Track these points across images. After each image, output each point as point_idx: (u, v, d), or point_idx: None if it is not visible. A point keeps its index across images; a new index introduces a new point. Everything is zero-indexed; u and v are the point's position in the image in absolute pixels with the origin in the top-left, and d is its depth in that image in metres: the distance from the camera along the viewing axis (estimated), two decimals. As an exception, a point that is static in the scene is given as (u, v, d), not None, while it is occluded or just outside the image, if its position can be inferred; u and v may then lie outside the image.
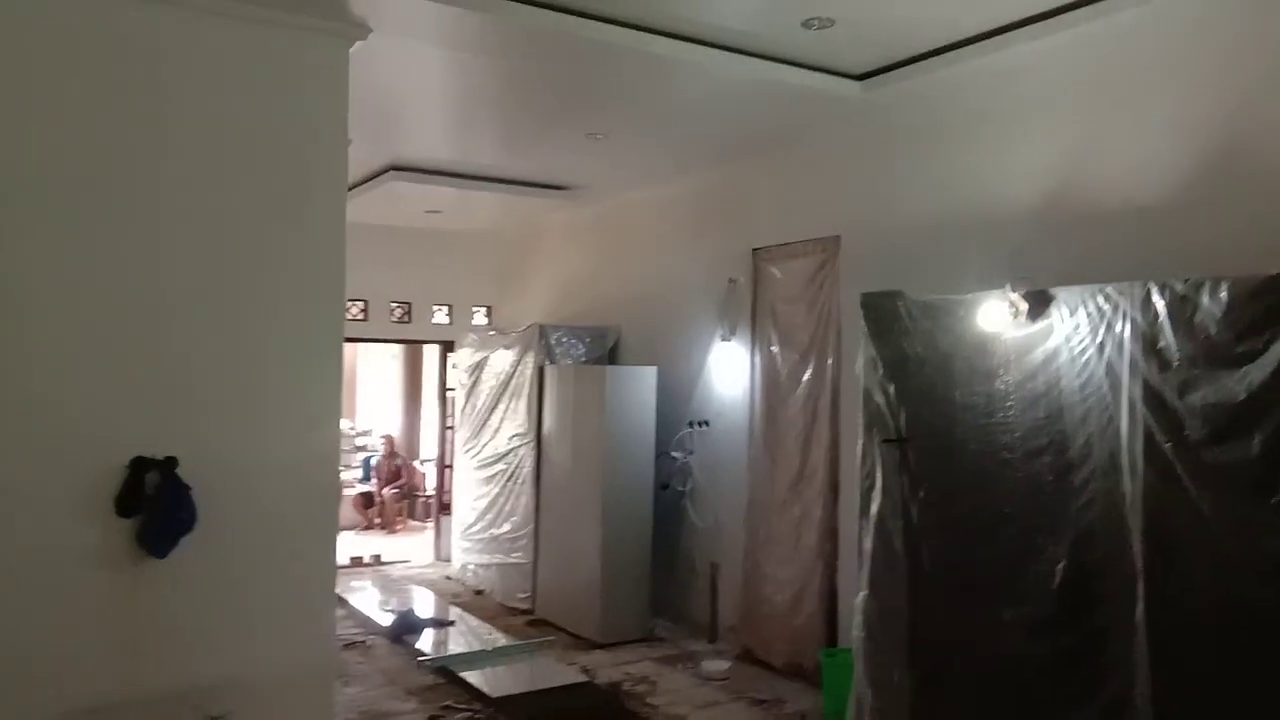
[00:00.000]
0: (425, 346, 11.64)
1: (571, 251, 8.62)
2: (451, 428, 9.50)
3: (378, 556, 9.21)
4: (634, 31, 4.23)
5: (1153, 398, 3.20)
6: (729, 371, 6.36)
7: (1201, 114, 3.80)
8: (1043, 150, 4.38)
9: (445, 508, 9.39)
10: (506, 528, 7.61)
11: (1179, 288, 3.15)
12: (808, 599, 5.51)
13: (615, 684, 5.55)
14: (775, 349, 5.91)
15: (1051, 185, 4.31)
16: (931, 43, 4.33)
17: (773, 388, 5.93)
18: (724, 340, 6.36)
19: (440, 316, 9.69)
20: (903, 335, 4.09)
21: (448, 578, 8.45)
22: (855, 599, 4.24)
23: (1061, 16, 3.97)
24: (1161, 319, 3.19)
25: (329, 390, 3.88)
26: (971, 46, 4.28)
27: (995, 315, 3.70)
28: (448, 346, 9.54)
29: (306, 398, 3.81)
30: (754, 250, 6.16)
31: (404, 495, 11.63)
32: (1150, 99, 3.98)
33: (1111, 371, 3.33)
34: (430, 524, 10.20)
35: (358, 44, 3.87)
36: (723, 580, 6.33)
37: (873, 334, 4.22)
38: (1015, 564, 3.60)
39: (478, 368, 8.29)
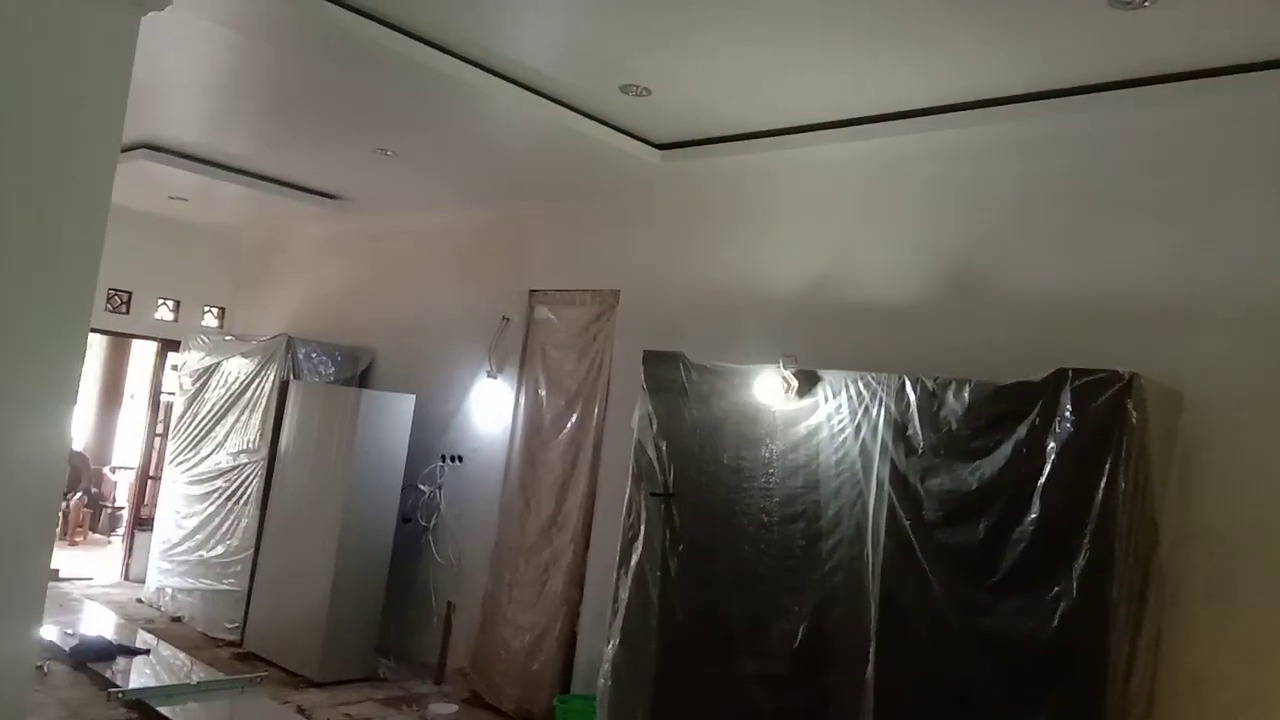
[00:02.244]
0: (135, 342, 10.58)
1: (328, 263, 8.21)
2: (162, 435, 8.66)
3: (55, 571, 8.11)
4: (449, 57, 4.17)
5: (898, 479, 3.57)
6: (491, 409, 6.31)
7: (944, 241, 4.32)
8: (812, 244, 4.78)
9: (142, 523, 8.48)
10: (220, 550, 7.00)
11: (929, 384, 3.57)
12: (547, 644, 5.53)
13: (334, 726, 5.25)
14: (543, 392, 5.96)
15: (817, 277, 4.72)
16: (730, 129, 4.64)
17: (535, 431, 5.96)
18: (490, 377, 6.31)
19: (164, 312, 8.85)
20: (680, 395, 4.29)
21: (140, 601, 7.60)
22: (605, 648, 4.32)
23: (840, 129, 4.43)
24: (912, 409, 3.58)
25: (66, 380, 3.42)
26: (763, 139, 4.63)
27: (768, 388, 3.98)
28: (169, 346, 8.70)
29: (39, 386, 3.34)
30: (531, 291, 6.20)
31: (89, 504, 10.37)
32: (905, 219, 4.47)
33: (865, 451, 3.68)
34: (120, 539, 9.16)
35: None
36: (458, 621, 6.20)
37: (651, 391, 4.39)
38: (762, 621, 3.84)
39: (206, 373, 7.63)
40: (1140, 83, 3.49)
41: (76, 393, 3.47)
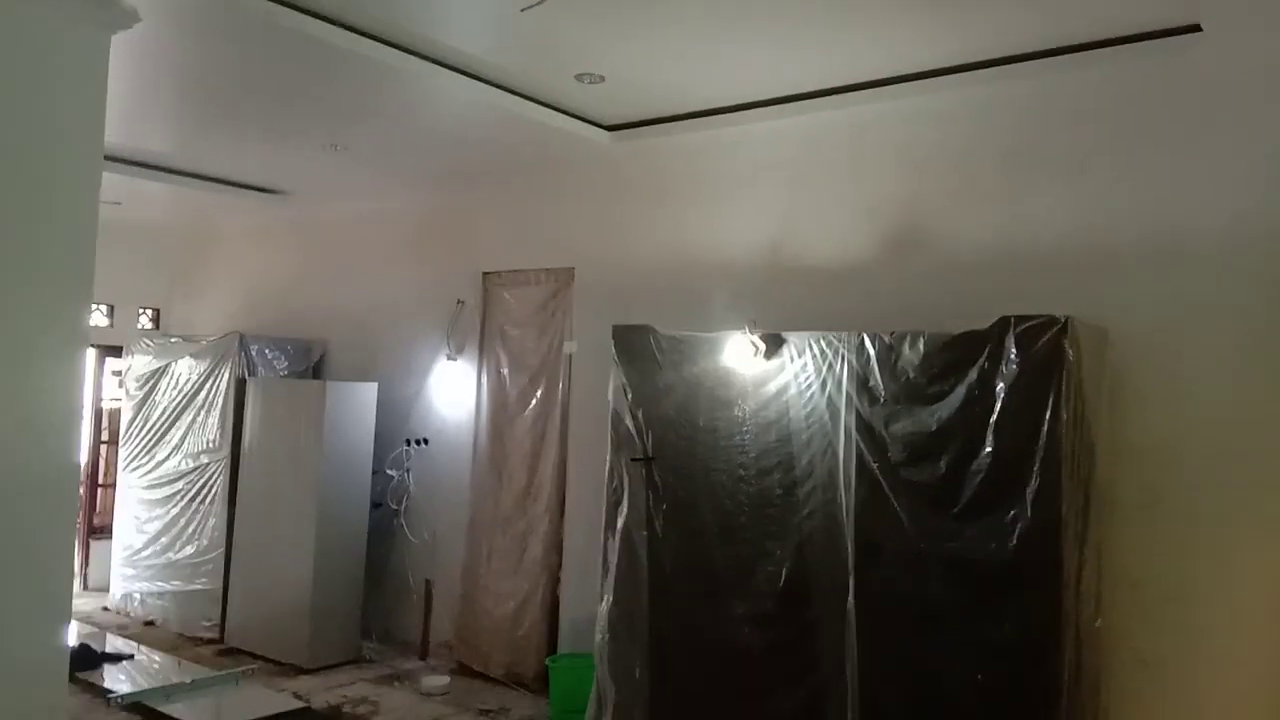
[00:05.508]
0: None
1: (267, 256, 8.21)
2: (106, 442, 8.59)
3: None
4: (398, 51, 4.27)
5: (864, 426, 3.92)
6: (453, 390, 6.48)
7: (887, 204, 4.65)
8: (762, 213, 5.07)
9: (96, 531, 8.42)
10: (189, 551, 7.04)
11: (886, 338, 3.91)
12: (530, 610, 5.79)
13: (335, 707, 5.43)
14: (505, 371, 6.16)
15: (770, 244, 5.02)
16: (679, 108, 4.88)
17: (500, 408, 6.16)
18: (449, 359, 6.48)
19: (98, 317, 8.70)
20: (652, 365, 4.55)
21: (106, 609, 7.59)
22: (598, 606, 4.61)
23: (785, 104, 4.71)
24: (872, 362, 3.93)
25: (68, 398, 3.53)
26: (711, 117, 4.89)
27: (737, 352, 4.28)
28: (108, 352, 8.59)
29: (41, 405, 3.44)
30: (485, 274, 6.37)
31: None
32: (850, 185, 4.77)
33: (831, 404, 4.02)
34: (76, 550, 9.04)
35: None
36: (437, 596, 6.41)
37: (623, 363, 4.64)
38: (747, 566, 4.17)
39: (153, 377, 7.59)
40: (1052, 53, 3.85)
41: (80, 411, 3.59)
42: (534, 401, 5.97)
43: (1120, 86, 3.96)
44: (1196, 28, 3.49)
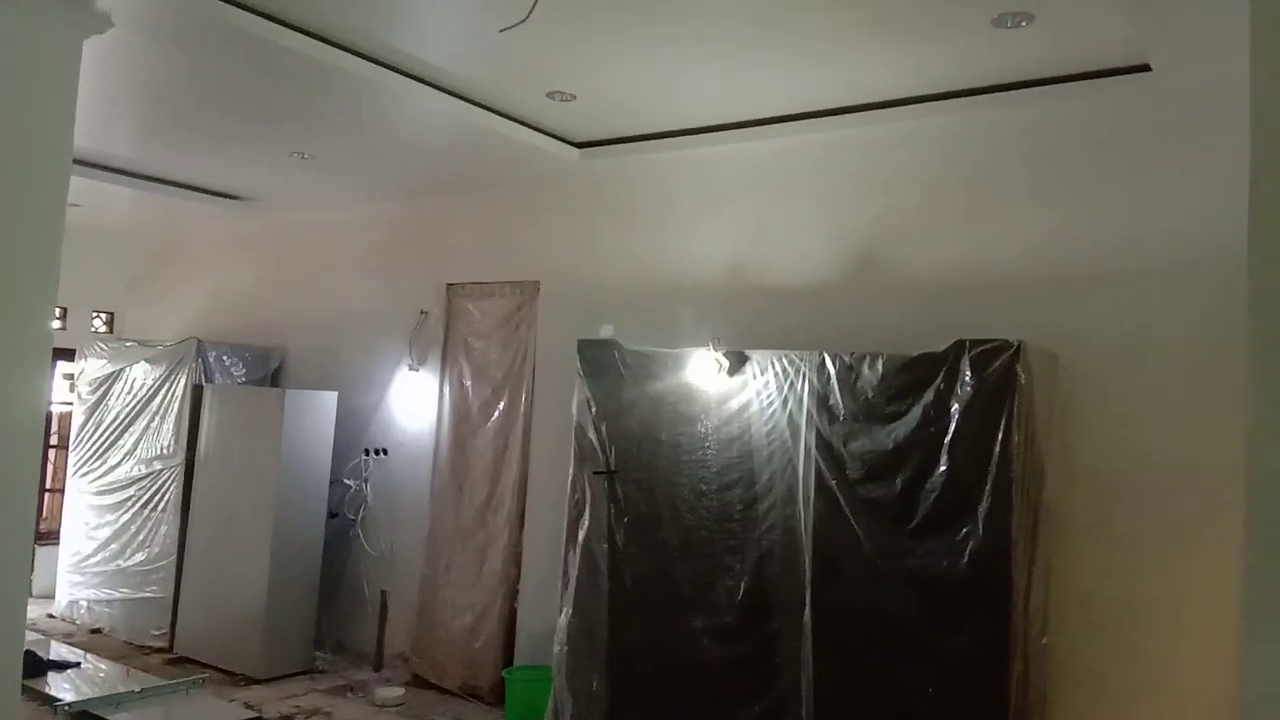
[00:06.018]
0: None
1: (229, 262, 8.12)
2: (55, 446, 8.43)
3: (-50, 595, 7.79)
4: (372, 64, 4.30)
5: (823, 444, 4.01)
6: (414, 401, 6.47)
7: (851, 227, 4.73)
8: (729, 233, 5.14)
9: (42, 537, 8.24)
10: (139, 558, 6.93)
11: (847, 358, 4.02)
12: (488, 622, 5.79)
13: (287, 717, 5.37)
14: (468, 382, 6.16)
15: (735, 263, 5.10)
16: (649, 128, 4.96)
17: (462, 420, 6.17)
18: (412, 370, 6.47)
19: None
20: (616, 380, 4.61)
21: (51, 615, 7.44)
22: (557, 618, 4.64)
23: (756, 127, 4.80)
24: (832, 381, 4.03)
25: (29, 405, 3.48)
26: (681, 137, 4.97)
27: (700, 368, 4.36)
28: (58, 354, 8.43)
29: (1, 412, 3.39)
30: (449, 285, 6.38)
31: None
32: (815, 208, 4.86)
33: (792, 421, 4.11)
34: (15, 556, 8.83)
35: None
36: (393, 608, 6.38)
37: (587, 376, 4.70)
38: (708, 580, 4.24)
39: (106, 381, 7.48)
40: (1018, 86, 4.00)
41: (41, 424, 3.55)
42: (496, 414, 5.99)
43: (1076, 119, 4.11)
44: (1146, 67, 3.65)
